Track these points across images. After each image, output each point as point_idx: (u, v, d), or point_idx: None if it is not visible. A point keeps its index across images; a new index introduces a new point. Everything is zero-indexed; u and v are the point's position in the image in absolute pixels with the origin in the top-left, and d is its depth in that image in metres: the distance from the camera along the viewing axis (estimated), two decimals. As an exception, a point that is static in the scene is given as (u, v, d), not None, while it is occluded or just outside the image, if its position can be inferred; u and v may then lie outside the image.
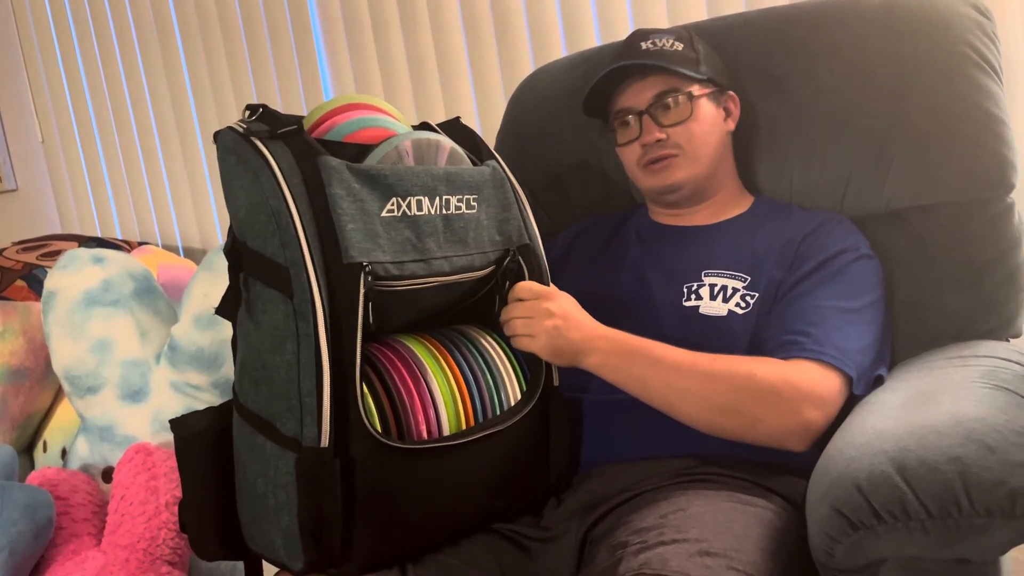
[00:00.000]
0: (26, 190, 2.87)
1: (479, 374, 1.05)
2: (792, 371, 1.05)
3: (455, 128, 1.13)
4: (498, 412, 1.05)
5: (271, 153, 0.93)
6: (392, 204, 0.97)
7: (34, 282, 2.02)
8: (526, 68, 1.95)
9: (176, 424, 1.03)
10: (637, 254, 1.30)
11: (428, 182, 1.00)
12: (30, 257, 2.13)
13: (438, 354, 1.04)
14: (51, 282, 1.55)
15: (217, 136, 0.98)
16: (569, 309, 1.08)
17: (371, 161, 0.99)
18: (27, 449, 1.69)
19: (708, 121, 1.25)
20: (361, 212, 0.94)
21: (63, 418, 1.65)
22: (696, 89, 1.24)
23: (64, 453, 1.60)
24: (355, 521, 0.93)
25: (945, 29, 1.25)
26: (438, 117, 2.09)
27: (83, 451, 1.52)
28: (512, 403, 1.06)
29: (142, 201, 2.65)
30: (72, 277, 1.53)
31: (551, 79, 1.58)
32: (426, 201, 0.99)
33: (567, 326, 1.07)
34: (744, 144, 1.35)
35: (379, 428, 0.94)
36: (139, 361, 1.51)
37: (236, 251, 0.97)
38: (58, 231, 2.83)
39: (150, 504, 1.36)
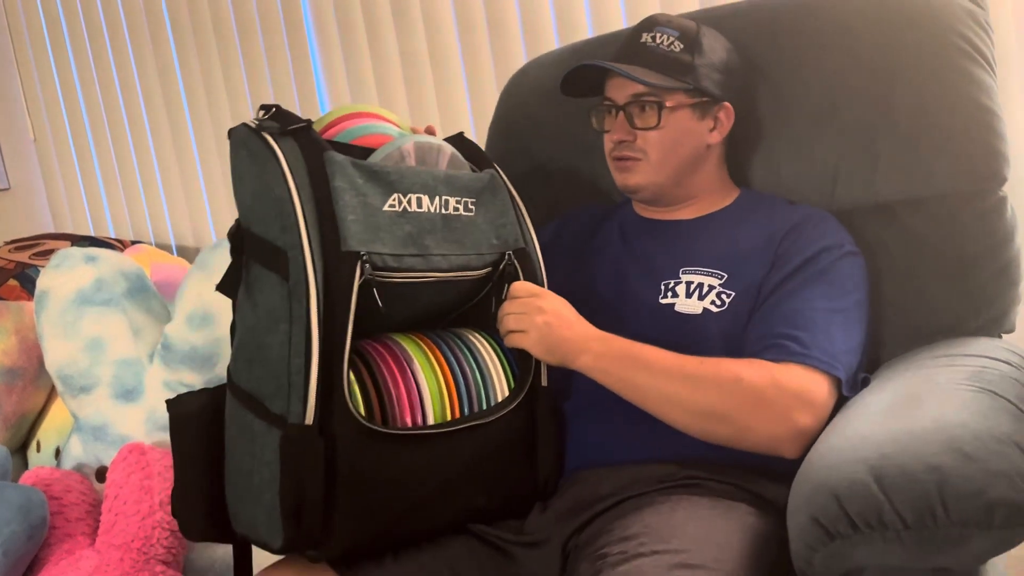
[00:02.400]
0: (18, 189, 2.86)
1: (467, 369, 1.06)
2: (780, 374, 1.04)
3: (459, 142, 1.17)
4: (484, 407, 1.06)
5: (279, 147, 0.98)
6: (394, 199, 1.01)
7: (27, 281, 2.01)
8: (520, 66, 1.94)
9: (172, 403, 1.06)
10: (619, 250, 1.30)
11: (429, 182, 1.04)
12: (23, 256, 2.12)
13: (426, 348, 1.06)
14: (43, 281, 1.54)
15: (231, 132, 1.02)
16: (561, 308, 1.09)
17: (374, 159, 1.03)
18: (20, 449, 1.68)
19: (679, 132, 1.22)
20: (363, 205, 0.98)
21: (56, 418, 1.65)
22: (672, 100, 1.20)
23: (58, 453, 1.59)
24: (336, 502, 0.95)
25: (935, 19, 1.23)
26: (431, 116, 2.09)
27: (77, 451, 1.51)
28: (499, 399, 1.08)
29: (135, 200, 2.64)
30: (64, 276, 1.53)
31: (542, 72, 1.56)
32: (426, 199, 1.03)
33: (559, 323, 1.08)
34: (731, 136, 1.31)
35: (363, 413, 0.96)
36: (132, 360, 1.51)
37: (240, 236, 1.02)
38: (51, 230, 2.82)
39: (144, 503, 1.36)
